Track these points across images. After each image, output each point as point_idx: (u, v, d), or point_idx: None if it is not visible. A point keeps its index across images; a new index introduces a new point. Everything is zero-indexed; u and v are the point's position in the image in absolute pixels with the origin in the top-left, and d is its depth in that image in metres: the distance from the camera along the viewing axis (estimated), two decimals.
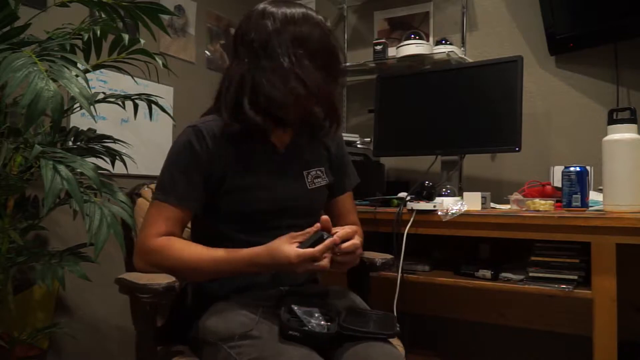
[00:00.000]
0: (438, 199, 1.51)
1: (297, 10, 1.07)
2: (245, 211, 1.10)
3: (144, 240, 1.04)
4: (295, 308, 1.00)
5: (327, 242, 0.97)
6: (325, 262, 0.97)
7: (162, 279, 0.95)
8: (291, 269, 0.96)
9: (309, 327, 0.96)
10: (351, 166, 1.32)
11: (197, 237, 1.17)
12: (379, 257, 1.31)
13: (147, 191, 1.33)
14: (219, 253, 1.02)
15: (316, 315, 0.99)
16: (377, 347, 0.98)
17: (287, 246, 0.96)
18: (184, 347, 1.10)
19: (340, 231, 1.01)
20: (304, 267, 0.96)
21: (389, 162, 2.24)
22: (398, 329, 1.03)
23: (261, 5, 1.09)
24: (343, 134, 2.06)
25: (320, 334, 0.96)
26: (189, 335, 1.11)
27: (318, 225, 0.99)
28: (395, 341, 1.08)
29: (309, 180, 1.18)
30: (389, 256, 1.33)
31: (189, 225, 1.22)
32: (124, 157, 1.49)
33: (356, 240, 1.03)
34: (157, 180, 1.09)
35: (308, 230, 0.98)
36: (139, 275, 0.99)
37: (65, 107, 1.24)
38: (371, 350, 0.97)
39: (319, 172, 1.21)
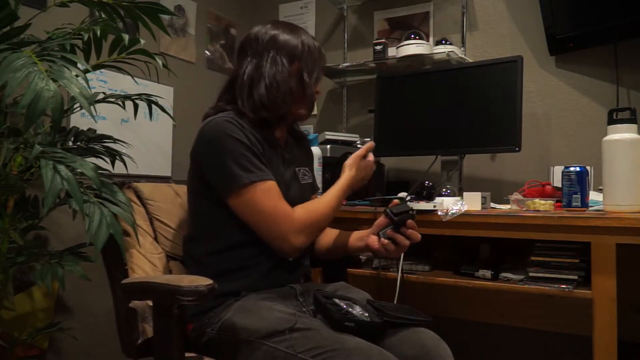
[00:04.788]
0: (438, 199, 1.51)
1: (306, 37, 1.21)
2: None
3: (291, 222, 1.09)
4: (337, 301, 1.02)
5: (369, 145, 1.30)
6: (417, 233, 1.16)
7: (202, 281, 0.90)
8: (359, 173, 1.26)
9: (362, 318, 0.99)
10: None
11: (198, 234, 1.18)
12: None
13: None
14: (335, 192, 1.21)
15: (356, 307, 1.03)
16: (422, 332, 1.06)
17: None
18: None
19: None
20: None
21: (389, 162, 2.24)
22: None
23: (269, 26, 1.21)
24: (343, 134, 2.09)
25: (373, 324, 0.99)
26: (190, 337, 1.11)
27: (396, 201, 1.12)
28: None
29: (300, 176, 1.28)
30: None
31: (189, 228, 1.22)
32: (124, 157, 1.50)
33: (419, 237, 1.17)
34: (227, 171, 1.07)
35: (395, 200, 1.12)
36: (171, 278, 0.95)
37: (65, 107, 1.24)
38: (418, 335, 1.04)
39: (305, 170, 1.31)
